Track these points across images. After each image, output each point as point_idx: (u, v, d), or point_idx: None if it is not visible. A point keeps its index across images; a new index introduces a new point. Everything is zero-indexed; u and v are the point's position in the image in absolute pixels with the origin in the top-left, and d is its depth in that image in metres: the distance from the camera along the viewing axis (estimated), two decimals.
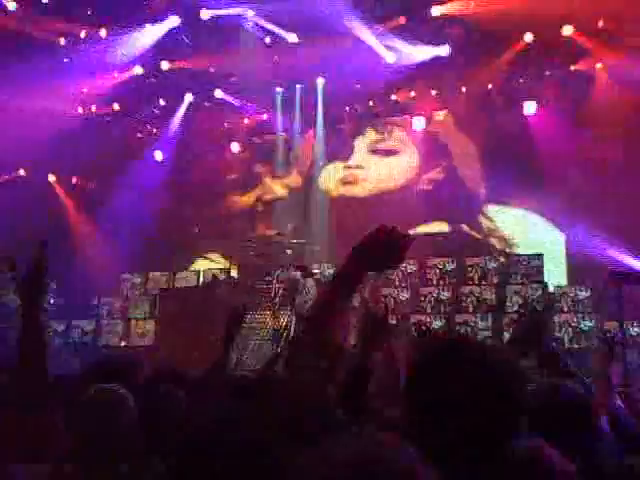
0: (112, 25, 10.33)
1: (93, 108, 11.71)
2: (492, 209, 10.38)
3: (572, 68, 9.53)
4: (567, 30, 9.02)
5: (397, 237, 1.43)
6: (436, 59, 9.73)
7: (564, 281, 8.93)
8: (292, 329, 7.51)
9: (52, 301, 9.49)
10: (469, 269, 8.70)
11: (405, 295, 8.59)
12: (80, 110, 11.65)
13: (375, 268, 1.47)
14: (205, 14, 10.01)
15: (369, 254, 1.42)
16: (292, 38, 10.03)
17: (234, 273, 9.94)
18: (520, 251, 9.41)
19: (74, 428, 2.07)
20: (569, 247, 9.31)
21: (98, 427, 1.99)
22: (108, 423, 1.99)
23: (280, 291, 7.86)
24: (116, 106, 11.76)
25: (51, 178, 12.44)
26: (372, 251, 1.42)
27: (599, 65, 9.31)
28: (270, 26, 10.00)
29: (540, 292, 7.87)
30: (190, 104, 11.69)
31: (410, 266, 8.80)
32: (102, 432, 1.98)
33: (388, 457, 0.88)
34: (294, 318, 7.52)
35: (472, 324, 8.03)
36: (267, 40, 10.31)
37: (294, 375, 1.43)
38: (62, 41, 10.52)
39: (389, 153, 11.37)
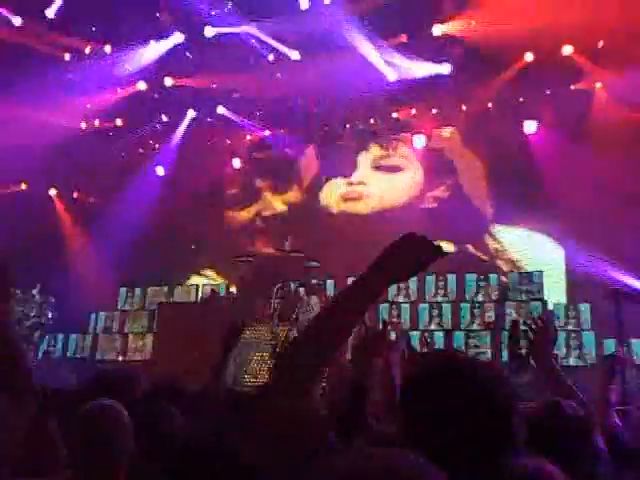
0: (117, 41, 10.45)
1: (96, 123, 11.79)
2: (498, 229, 10.24)
3: (572, 87, 9.59)
4: (567, 50, 9.12)
5: (429, 247, 1.33)
6: (437, 77, 9.80)
7: (564, 299, 8.90)
8: None
9: (50, 315, 9.49)
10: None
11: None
12: (83, 125, 11.72)
13: (398, 278, 1.36)
14: (209, 32, 10.12)
15: (395, 262, 1.32)
16: (295, 55, 10.13)
17: (233, 288, 9.94)
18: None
19: (70, 443, 2.07)
20: (570, 265, 9.28)
21: (93, 442, 1.98)
22: (103, 438, 1.98)
23: (279, 307, 7.84)
24: (119, 121, 11.84)
25: (52, 192, 12.48)
26: (399, 259, 1.32)
27: (599, 84, 9.37)
28: (273, 42, 10.08)
29: (540, 309, 7.86)
30: (192, 120, 11.76)
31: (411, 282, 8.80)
32: (97, 447, 1.97)
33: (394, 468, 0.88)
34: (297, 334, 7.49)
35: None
36: (270, 57, 10.41)
37: (287, 375, 1.34)
38: (67, 56, 10.63)
39: (393, 170, 11.30)
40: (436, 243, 1.33)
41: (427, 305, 8.58)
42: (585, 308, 7.88)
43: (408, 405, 1.30)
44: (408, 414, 1.29)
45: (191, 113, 11.71)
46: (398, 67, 9.91)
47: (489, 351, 7.79)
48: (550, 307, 8.12)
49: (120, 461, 1.98)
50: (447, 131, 10.81)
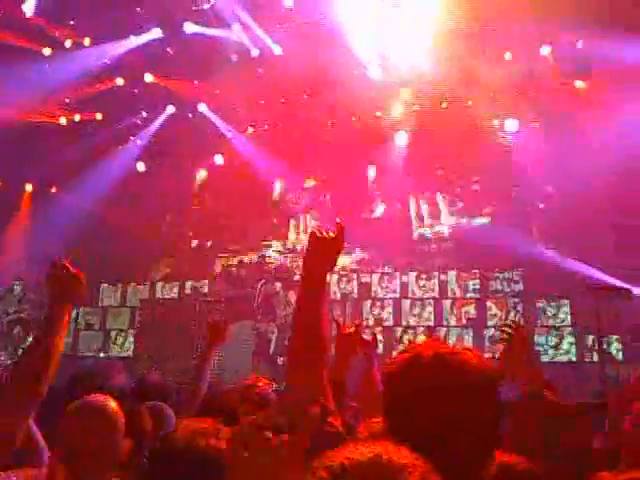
0: (96, 35, 10.31)
1: (77, 117, 11.63)
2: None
3: (553, 87, 9.66)
4: (545, 51, 9.21)
5: (328, 236, 1.72)
6: (418, 75, 9.82)
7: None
8: (274, 342, 7.47)
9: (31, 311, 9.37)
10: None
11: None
12: (64, 120, 11.57)
13: (326, 264, 1.71)
14: (189, 28, 10.02)
15: (314, 257, 1.69)
16: (277, 50, 10.04)
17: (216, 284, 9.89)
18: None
19: (65, 439, 2.04)
20: (550, 262, 9.35)
21: (92, 439, 1.96)
22: (101, 435, 1.97)
23: (262, 303, 7.83)
24: (99, 116, 11.68)
25: (28, 188, 12.27)
26: (315, 253, 1.69)
27: (579, 83, 9.46)
28: (259, 32, 9.91)
29: (520, 305, 7.95)
30: (172, 115, 11.64)
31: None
32: (95, 443, 1.96)
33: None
34: (276, 331, 7.48)
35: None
36: (253, 53, 10.28)
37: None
38: (47, 51, 10.44)
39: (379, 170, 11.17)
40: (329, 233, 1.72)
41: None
42: (565, 304, 7.96)
43: (391, 396, 1.31)
44: (390, 405, 1.30)
45: (170, 109, 11.61)
46: (382, 64, 9.91)
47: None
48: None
49: (112, 455, 1.97)
50: None
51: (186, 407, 2.96)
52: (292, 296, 7.87)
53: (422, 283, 8.88)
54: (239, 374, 7.42)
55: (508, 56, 9.50)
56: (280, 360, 7.46)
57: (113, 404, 2.05)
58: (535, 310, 8.10)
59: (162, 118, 11.63)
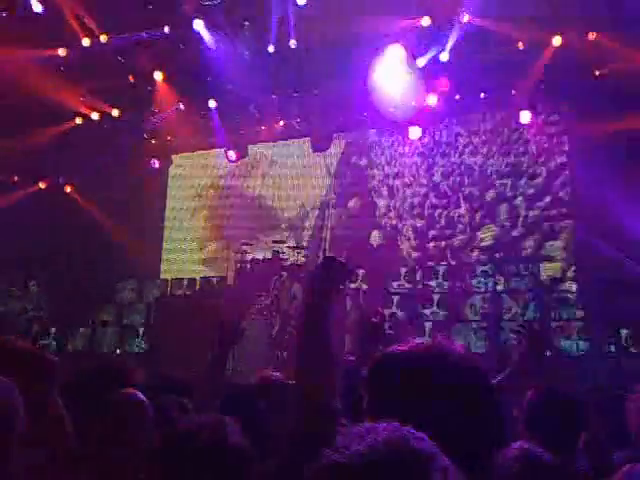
0: (110, 32, 10.34)
1: (93, 115, 11.68)
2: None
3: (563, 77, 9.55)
4: (557, 41, 9.11)
5: (337, 265, 1.81)
6: (433, 66, 9.75)
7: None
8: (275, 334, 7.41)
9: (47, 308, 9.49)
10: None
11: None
12: (78, 121, 11.66)
13: (321, 289, 1.79)
14: (198, 25, 9.98)
15: (317, 278, 1.80)
16: (292, 44, 9.95)
17: (231, 280, 9.95)
18: None
19: (98, 430, 2.06)
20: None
21: (124, 430, 2.01)
22: (133, 427, 2.02)
23: (276, 298, 7.86)
24: (115, 112, 11.73)
25: (42, 185, 12.37)
26: (321, 277, 1.79)
27: (597, 72, 9.33)
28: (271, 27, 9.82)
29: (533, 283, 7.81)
30: (183, 112, 11.66)
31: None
32: (127, 435, 2.00)
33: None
34: (279, 323, 7.45)
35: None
36: (270, 49, 10.17)
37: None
38: (62, 52, 10.48)
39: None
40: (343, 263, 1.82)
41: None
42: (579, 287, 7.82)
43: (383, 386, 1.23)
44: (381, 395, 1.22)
45: (181, 106, 11.62)
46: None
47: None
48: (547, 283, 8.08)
49: (143, 447, 2.00)
50: None
51: (204, 404, 2.99)
52: (295, 287, 7.83)
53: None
54: (253, 367, 7.46)
55: (520, 46, 9.39)
56: (281, 352, 7.38)
57: (144, 398, 2.09)
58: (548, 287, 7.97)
59: (173, 113, 11.68)
